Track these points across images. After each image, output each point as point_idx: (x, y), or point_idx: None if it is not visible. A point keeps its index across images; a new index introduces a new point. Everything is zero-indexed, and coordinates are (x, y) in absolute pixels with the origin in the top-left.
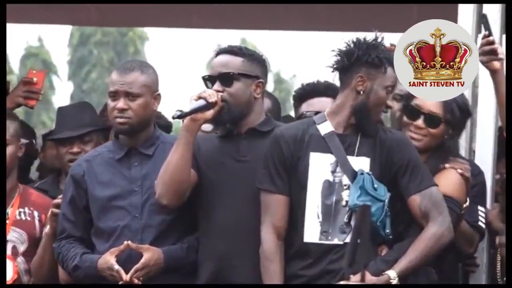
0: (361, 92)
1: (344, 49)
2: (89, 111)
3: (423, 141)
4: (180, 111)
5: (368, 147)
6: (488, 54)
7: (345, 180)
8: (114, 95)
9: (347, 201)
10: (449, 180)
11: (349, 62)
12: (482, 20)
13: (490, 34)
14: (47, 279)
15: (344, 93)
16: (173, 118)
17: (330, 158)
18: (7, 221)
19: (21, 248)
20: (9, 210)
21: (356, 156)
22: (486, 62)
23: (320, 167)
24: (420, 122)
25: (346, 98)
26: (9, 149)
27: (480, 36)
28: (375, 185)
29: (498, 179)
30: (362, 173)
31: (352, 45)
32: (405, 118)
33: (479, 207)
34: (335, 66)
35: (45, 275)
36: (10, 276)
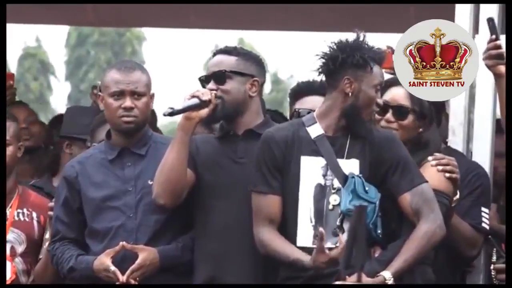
0: (350, 94)
1: (328, 52)
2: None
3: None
4: (171, 108)
5: (358, 148)
6: (494, 58)
7: (336, 183)
8: (119, 95)
9: (334, 205)
10: (432, 173)
11: (334, 66)
12: (488, 24)
13: (497, 38)
14: (52, 282)
15: (332, 95)
16: (164, 115)
17: (321, 162)
18: (6, 222)
19: (19, 249)
20: (8, 211)
21: (346, 158)
22: (492, 66)
23: (311, 171)
24: (389, 115)
25: (335, 101)
26: (9, 150)
27: (478, 36)
28: (366, 188)
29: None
30: (353, 177)
31: (335, 48)
32: (376, 115)
33: (483, 209)
34: (320, 70)
35: (49, 281)
36: (8, 276)
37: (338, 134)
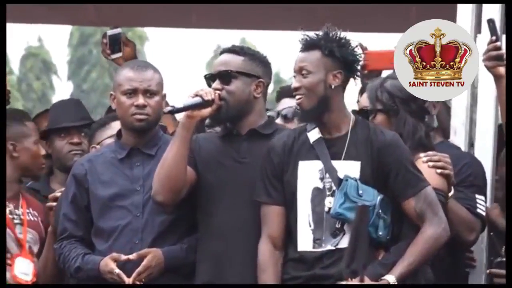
0: None
1: None
2: (84, 107)
3: None
4: (172, 106)
5: (357, 150)
6: (494, 59)
7: (333, 186)
8: (132, 93)
9: (329, 208)
10: (424, 169)
11: None
12: (489, 25)
13: (497, 39)
14: (52, 280)
15: None
16: (164, 113)
17: (318, 165)
18: (22, 222)
19: (35, 249)
20: (20, 211)
21: (344, 160)
22: (491, 67)
23: (308, 175)
24: None
25: None
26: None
27: (480, 36)
28: (360, 191)
29: (498, 180)
30: (346, 179)
31: None
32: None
33: (477, 196)
34: None
35: (49, 276)
36: (29, 278)
37: (335, 136)
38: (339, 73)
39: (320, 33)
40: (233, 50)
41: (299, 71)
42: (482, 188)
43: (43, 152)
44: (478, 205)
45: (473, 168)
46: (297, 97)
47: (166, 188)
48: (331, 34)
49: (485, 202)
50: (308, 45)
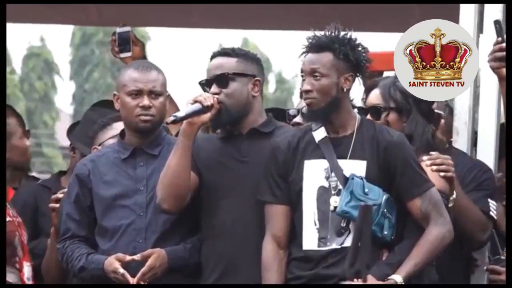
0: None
1: None
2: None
3: None
4: (175, 116)
5: (363, 149)
6: (499, 60)
7: (339, 185)
8: (137, 94)
9: (335, 207)
10: (427, 172)
11: None
12: (495, 26)
13: (503, 41)
14: (57, 280)
15: None
16: (167, 123)
17: (324, 164)
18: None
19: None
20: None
21: (350, 159)
22: (497, 68)
23: (314, 174)
24: (368, 117)
25: None
26: None
27: (482, 36)
28: (366, 190)
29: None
30: (352, 178)
31: None
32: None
33: (490, 200)
34: None
35: (53, 276)
36: (31, 282)
37: (341, 136)
38: (351, 76)
39: (329, 33)
40: (224, 52)
41: (311, 73)
42: (494, 194)
43: (28, 143)
44: (491, 208)
45: (487, 174)
46: (308, 99)
47: (171, 196)
48: (342, 36)
49: (496, 205)
50: (319, 47)
